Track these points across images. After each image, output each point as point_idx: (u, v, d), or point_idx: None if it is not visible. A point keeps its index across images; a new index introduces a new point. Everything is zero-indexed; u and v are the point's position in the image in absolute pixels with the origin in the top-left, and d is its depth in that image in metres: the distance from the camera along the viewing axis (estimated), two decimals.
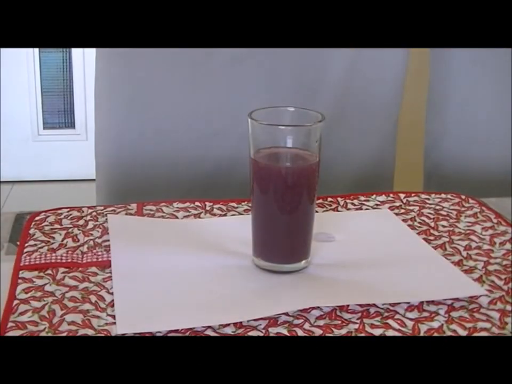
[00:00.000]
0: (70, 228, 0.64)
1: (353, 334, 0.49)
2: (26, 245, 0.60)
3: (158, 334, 0.48)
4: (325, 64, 0.82)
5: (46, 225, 0.64)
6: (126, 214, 0.67)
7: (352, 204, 0.72)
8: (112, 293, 0.53)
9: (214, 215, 0.68)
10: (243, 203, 0.70)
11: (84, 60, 2.45)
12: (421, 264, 0.59)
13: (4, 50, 2.26)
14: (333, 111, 0.83)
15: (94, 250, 0.60)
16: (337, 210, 0.70)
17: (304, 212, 0.56)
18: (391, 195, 0.74)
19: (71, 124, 2.63)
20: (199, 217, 0.67)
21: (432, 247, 0.62)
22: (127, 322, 0.49)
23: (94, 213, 0.67)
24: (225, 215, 0.68)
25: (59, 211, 0.67)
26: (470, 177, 0.92)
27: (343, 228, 0.65)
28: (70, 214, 0.67)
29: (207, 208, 0.69)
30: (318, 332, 0.49)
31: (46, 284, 0.54)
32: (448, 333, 0.50)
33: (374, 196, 0.74)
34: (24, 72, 2.38)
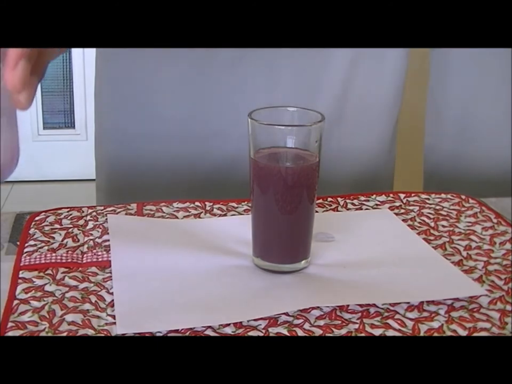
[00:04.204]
0: (70, 227, 0.64)
1: (353, 334, 0.49)
2: (26, 245, 0.60)
3: (158, 334, 0.48)
4: (325, 64, 0.82)
5: (46, 225, 0.64)
6: (126, 214, 0.67)
7: (352, 204, 0.72)
8: (112, 293, 0.53)
9: (214, 215, 0.68)
10: (243, 203, 0.70)
11: (84, 60, 2.46)
12: (421, 264, 0.59)
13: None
14: (333, 111, 0.83)
15: (94, 250, 0.60)
16: (337, 210, 0.70)
17: (304, 212, 0.56)
18: (391, 195, 0.74)
19: (71, 124, 2.63)
20: (199, 217, 0.67)
21: (432, 247, 0.62)
22: (127, 322, 0.49)
23: (94, 213, 0.67)
24: (225, 215, 0.68)
25: (59, 211, 0.67)
26: (470, 177, 0.92)
27: (343, 228, 0.65)
28: (70, 214, 0.67)
29: (207, 208, 0.69)
30: (318, 332, 0.49)
31: (46, 284, 0.54)
32: (448, 333, 0.50)
33: (374, 196, 0.74)
34: None
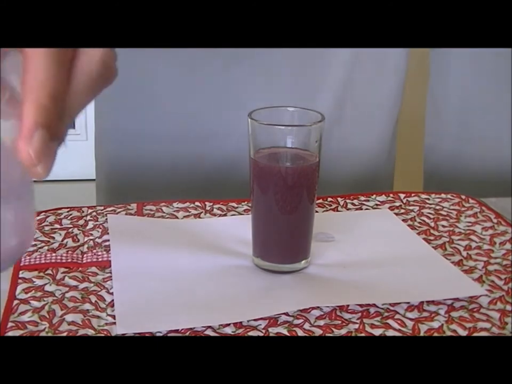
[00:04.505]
0: (70, 227, 0.64)
1: (353, 334, 0.49)
2: None
3: (158, 334, 0.48)
4: (325, 64, 0.82)
5: (46, 225, 0.64)
6: (126, 214, 0.67)
7: (352, 204, 0.72)
8: (112, 293, 0.53)
9: (214, 215, 0.68)
10: (243, 203, 0.70)
11: None
12: (421, 264, 0.59)
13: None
14: (333, 111, 0.83)
15: (94, 250, 0.60)
16: (337, 210, 0.70)
17: (304, 212, 0.56)
18: (391, 195, 0.74)
19: (71, 124, 2.63)
20: (199, 217, 0.67)
21: (432, 247, 0.62)
22: (127, 322, 0.49)
23: (94, 213, 0.67)
24: (225, 215, 0.68)
25: (59, 211, 0.67)
26: (470, 177, 0.92)
27: (343, 228, 0.65)
28: (70, 214, 0.67)
29: (207, 208, 0.69)
30: (318, 332, 0.50)
31: (46, 284, 0.54)
32: (448, 333, 0.50)
33: (374, 196, 0.74)
34: None
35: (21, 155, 0.38)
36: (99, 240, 0.62)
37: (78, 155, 2.49)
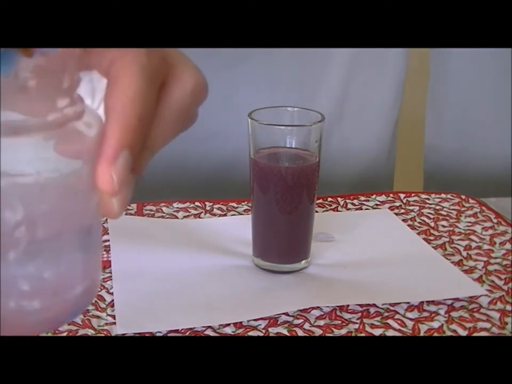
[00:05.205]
0: None
1: (353, 334, 0.49)
2: None
3: (158, 334, 0.48)
4: (325, 64, 0.82)
5: None
6: (126, 214, 0.67)
7: (352, 204, 0.72)
8: (112, 293, 0.53)
9: (214, 215, 0.68)
10: (243, 203, 0.70)
11: None
12: (421, 264, 0.59)
13: None
14: (333, 111, 0.83)
15: None
16: (337, 210, 0.70)
17: (304, 211, 0.56)
18: (391, 195, 0.74)
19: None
20: (199, 217, 0.67)
21: (432, 247, 0.62)
22: (127, 322, 0.49)
23: None
24: (225, 215, 0.68)
25: None
26: (470, 177, 0.92)
27: (343, 228, 0.65)
28: None
29: (207, 208, 0.69)
30: (318, 332, 0.50)
31: None
32: (448, 333, 0.50)
33: (374, 196, 0.74)
34: None
35: (101, 181, 0.32)
36: None
37: None
